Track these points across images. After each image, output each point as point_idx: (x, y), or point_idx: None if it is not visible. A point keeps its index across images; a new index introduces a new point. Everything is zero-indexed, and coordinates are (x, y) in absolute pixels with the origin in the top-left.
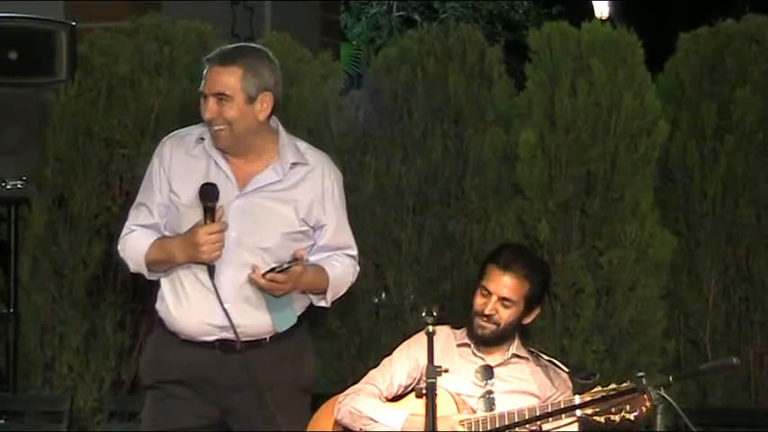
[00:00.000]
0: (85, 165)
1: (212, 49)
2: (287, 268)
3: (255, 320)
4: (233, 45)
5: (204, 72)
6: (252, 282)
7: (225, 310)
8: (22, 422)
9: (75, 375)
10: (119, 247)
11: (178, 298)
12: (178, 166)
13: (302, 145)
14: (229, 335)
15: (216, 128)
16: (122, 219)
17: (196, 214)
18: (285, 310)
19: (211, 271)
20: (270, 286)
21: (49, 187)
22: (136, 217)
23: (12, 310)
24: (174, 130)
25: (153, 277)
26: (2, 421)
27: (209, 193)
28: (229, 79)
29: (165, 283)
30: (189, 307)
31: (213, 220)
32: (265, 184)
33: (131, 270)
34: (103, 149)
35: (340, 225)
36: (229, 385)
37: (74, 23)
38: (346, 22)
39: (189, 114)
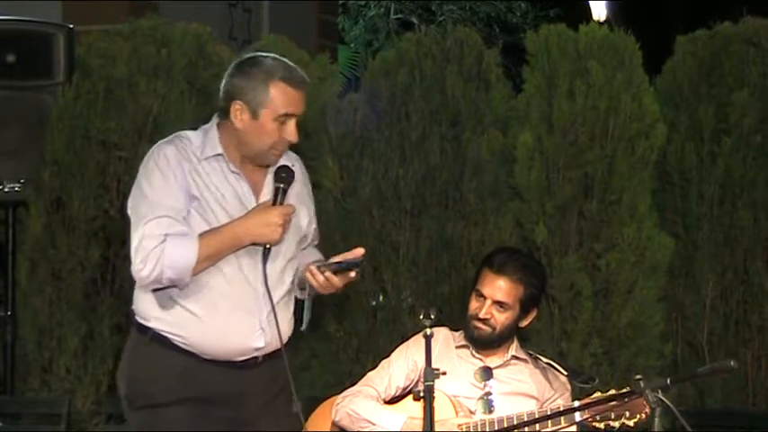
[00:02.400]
0: (83, 167)
1: (210, 51)
2: (345, 269)
3: (284, 328)
4: (286, 62)
5: (283, 90)
6: (308, 278)
7: (272, 305)
8: (20, 425)
9: (72, 378)
10: (149, 264)
11: (206, 314)
12: (191, 173)
13: None
14: (259, 354)
15: (279, 150)
16: (125, 235)
17: (224, 213)
18: (309, 312)
19: (267, 254)
20: (324, 285)
21: (47, 190)
22: (159, 228)
23: (9, 313)
24: (170, 134)
25: (185, 283)
26: (0, 424)
27: (287, 174)
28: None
29: (183, 292)
30: (223, 327)
31: (282, 203)
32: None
33: (167, 281)
34: (101, 152)
35: (314, 220)
36: (246, 399)
37: (71, 26)
38: (344, 24)
39: (186, 117)
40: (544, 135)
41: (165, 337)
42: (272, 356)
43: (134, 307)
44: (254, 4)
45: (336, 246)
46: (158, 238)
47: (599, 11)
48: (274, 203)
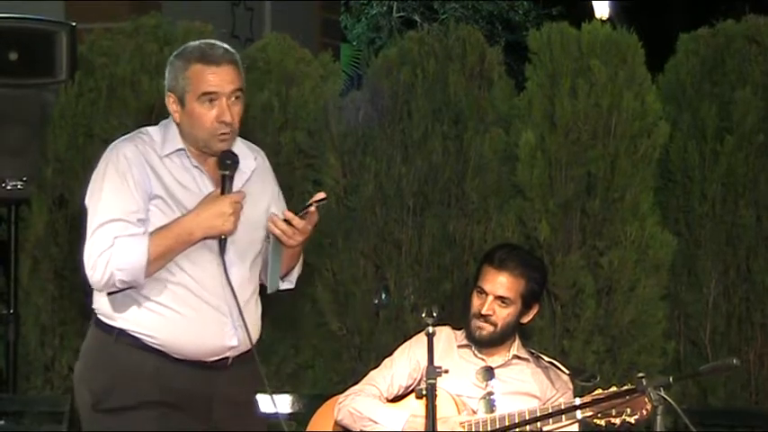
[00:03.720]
0: (86, 165)
1: None
2: (304, 213)
3: (253, 328)
4: (209, 42)
5: (199, 69)
6: (270, 228)
7: (237, 301)
8: (23, 423)
9: None
10: (99, 269)
11: (175, 313)
12: (152, 172)
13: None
14: (232, 354)
15: (226, 131)
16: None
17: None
18: (276, 272)
19: (223, 245)
20: (289, 232)
21: (50, 188)
22: (110, 232)
23: (12, 311)
24: None
25: (140, 284)
26: (2, 422)
27: (231, 161)
28: (240, 77)
29: (149, 292)
30: (196, 326)
31: (230, 190)
32: (241, 185)
33: (120, 283)
34: (103, 150)
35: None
36: (214, 403)
37: (74, 24)
38: (346, 22)
39: None
40: (546, 133)
41: (134, 337)
42: (242, 360)
43: (96, 306)
44: (257, 3)
45: (338, 244)
46: (107, 243)
47: (601, 9)
48: (222, 192)
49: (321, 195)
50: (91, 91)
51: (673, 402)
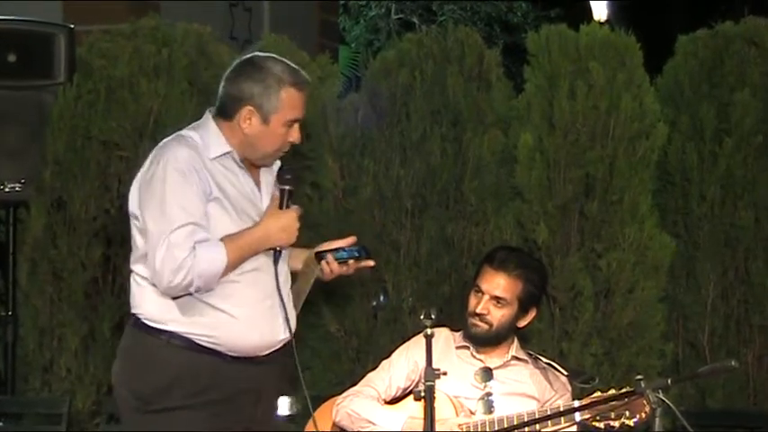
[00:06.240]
0: (84, 167)
1: (211, 51)
2: (360, 258)
3: (293, 317)
4: (293, 66)
5: (293, 95)
6: (323, 266)
7: (283, 302)
8: (21, 424)
9: (73, 378)
10: (180, 275)
11: (233, 312)
12: (208, 174)
13: None
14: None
15: (283, 152)
16: (126, 235)
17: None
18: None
19: (278, 257)
20: (338, 273)
21: (48, 190)
22: (188, 236)
23: (10, 313)
24: (170, 134)
25: (210, 290)
26: (0, 423)
27: (291, 176)
28: None
29: (205, 294)
30: (253, 323)
31: (289, 205)
32: (272, 180)
33: (195, 289)
34: (102, 152)
35: None
36: (261, 396)
37: (72, 26)
38: (345, 24)
39: (187, 117)
40: (545, 135)
41: (187, 339)
42: (277, 351)
43: (140, 310)
44: (255, 4)
45: None
46: (188, 248)
47: (600, 11)
48: (280, 206)
49: (370, 263)
50: (89, 93)
51: (671, 404)
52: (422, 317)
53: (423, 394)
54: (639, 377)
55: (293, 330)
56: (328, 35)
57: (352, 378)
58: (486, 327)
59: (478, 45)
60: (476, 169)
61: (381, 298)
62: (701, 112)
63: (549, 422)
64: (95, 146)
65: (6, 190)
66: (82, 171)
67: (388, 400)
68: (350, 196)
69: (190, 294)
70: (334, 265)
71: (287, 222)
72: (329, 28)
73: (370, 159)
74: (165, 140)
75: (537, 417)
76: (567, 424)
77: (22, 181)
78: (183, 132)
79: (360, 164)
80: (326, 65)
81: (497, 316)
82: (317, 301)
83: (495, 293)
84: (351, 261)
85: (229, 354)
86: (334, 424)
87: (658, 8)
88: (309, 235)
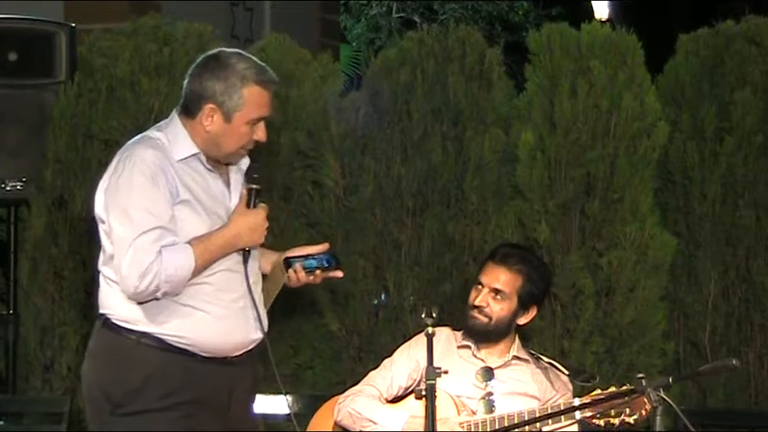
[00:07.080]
0: (85, 166)
1: (212, 50)
2: (329, 268)
3: (264, 317)
4: (259, 63)
5: (256, 93)
6: (291, 274)
7: (254, 301)
8: (22, 424)
9: (74, 377)
10: (146, 280)
11: (205, 313)
12: (174, 176)
13: None
14: (252, 346)
15: (247, 150)
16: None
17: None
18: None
19: (247, 256)
20: (304, 282)
21: (49, 188)
22: (153, 241)
23: (11, 312)
24: None
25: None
26: (1, 423)
27: (259, 175)
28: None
29: (179, 298)
30: (225, 324)
31: (256, 204)
32: (241, 179)
33: (162, 294)
34: (103, 151)
35: None
36: (233, 397)
37: (73, 25)
38: (346, 23)
39: None
40: (546, 134)
41: (159, 339)
42: (250, 351)
43: (109, 310)
44: (256, 3)
45: (338, 245)
46: (154, 252)
47: (601, 10)
48: (248, 205)
49: (339, 274)
50: (90, 92)
51: (672, 403)
52: (423, 316)
53: (424, 393)
54: (640, 376)
55: (266, 330)
56: (329, 34)
57: (353, 377)
58: (485, 320)
59: (480, 44)
60: (477, 168)
61: (383, 297)
62: (702, 111)
63: (550, 420)
64: (96, 145)
65: (7, 189)
66: (83, 170)
67: (389, 399)
68: (351, 195)
69: (157, 299)
70: (301, 274)
71: (255, 221)
72: (330, 27)
73: (371, 158)
74: (130, 141)
75: (537, 415)
76: (568, 422)
77: (24, 180)
78: (150, 133)
79: (361, 162)
80: (327, 63)
81: (496, 309)
82: (319, 300)
83: (494, 286)
84: (318, 271)
85: (201, 354)
86: (336, 423)
87: (659, 7)
88: (311, 233)
